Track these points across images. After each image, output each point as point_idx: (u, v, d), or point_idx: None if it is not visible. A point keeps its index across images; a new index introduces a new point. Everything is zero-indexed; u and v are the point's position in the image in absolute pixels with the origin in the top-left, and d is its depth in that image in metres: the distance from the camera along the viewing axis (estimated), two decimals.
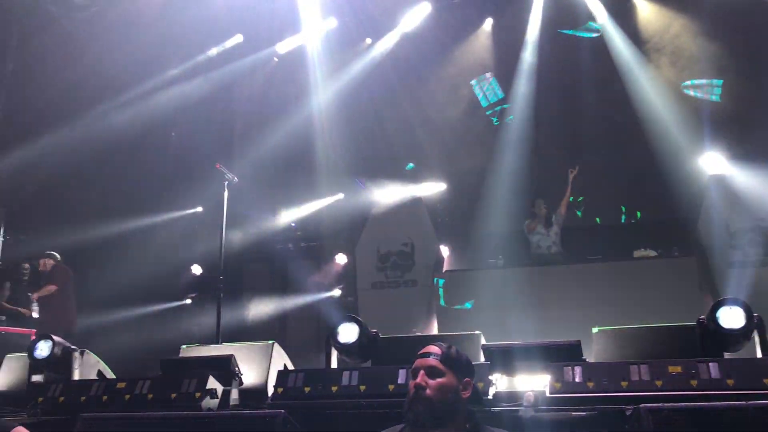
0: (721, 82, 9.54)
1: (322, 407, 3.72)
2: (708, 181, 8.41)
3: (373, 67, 10.26)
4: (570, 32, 10.31)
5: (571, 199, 8.47)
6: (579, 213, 9.82)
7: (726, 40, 9.45)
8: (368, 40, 10.51)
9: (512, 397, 3.76)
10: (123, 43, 8.66)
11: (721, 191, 7.76)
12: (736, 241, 7.49)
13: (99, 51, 8.45)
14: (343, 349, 4.26)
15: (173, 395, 3.84)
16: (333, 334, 4.23)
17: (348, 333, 4.20)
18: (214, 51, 9.92)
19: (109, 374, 4.61)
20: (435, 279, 8.01)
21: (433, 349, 2.59)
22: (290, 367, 4.44)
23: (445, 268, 8.82)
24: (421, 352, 2.61)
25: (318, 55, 10.28)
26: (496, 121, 10.35)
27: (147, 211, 9.32)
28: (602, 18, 9.91)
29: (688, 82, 9.75)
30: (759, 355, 3.96)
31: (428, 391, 2.49)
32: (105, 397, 3.92)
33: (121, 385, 3.98)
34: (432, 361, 2.54)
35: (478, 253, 8.85)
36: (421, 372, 2.53)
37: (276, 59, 10.44)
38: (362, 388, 3.77)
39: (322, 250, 9.85)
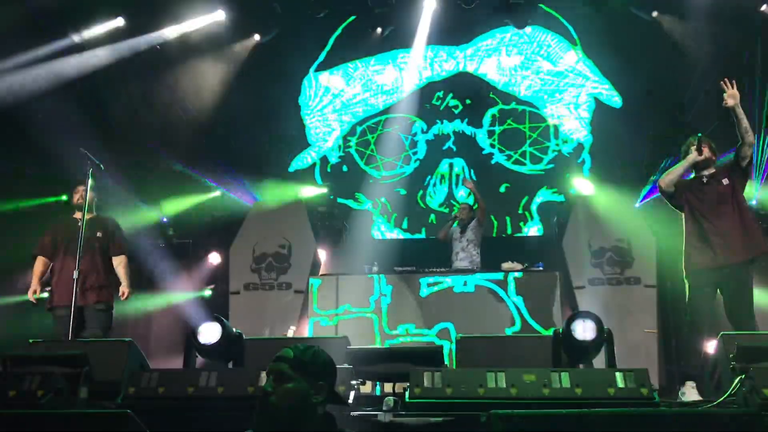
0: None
1: (176, 409, 3.57)
2: (573, 201, 8.92)
3: (264, 62, 10.08)
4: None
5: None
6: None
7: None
8: (257, 36, 10.34)
9: (373, 401, 3.78)
10: None
11: (585, 212, 8.21)
12: (596, 260, 7.95)
13: None
14: (204, 349, 4.14)
15: (12, 393, 3.57)
16: (194, 333, 4.10)
17: (210, 333, 4.08)
18: (91, 31, 9.38)
19: None
20: (309, 282, 7.94)
21: (286, 352, 2.49)
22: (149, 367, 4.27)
23: (321, 272, 8.78)
24: (276, 356, 2.51)
25: (208, 45, 9.96)
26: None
27: (5, 196, 8.62)
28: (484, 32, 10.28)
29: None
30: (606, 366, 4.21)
31: (274, 398, 2.39)
32: None
33: None
34: (281, 365, 2.44)
35: (356, 258, 8.87)
36: (270, 377, 2.44)
37: (158, 47, 10.02)
38: (220, 390, 3.66)
39: (195, 249, 9.52)
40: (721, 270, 4.91)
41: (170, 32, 9.78)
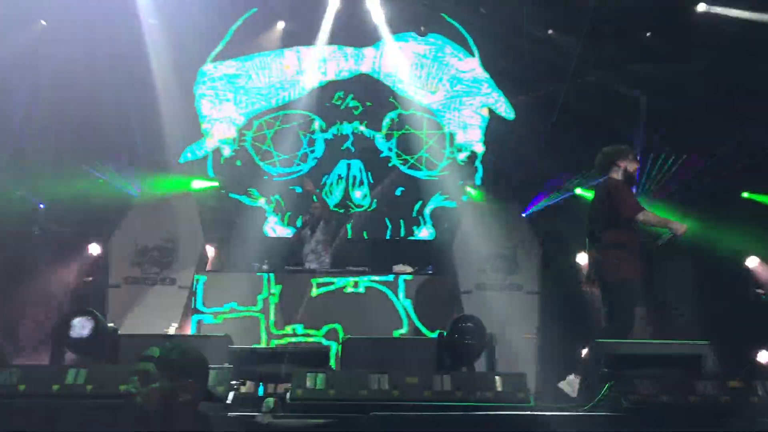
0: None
1: (38, 407, 3.33)
2: (465, 208, 9.14)
3: (158, 48, 9.60)
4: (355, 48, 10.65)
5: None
6: (348, 226, 10.08)
7: None
8: (151, 21, 9.84)
9: (253, 402, 3.69)
10: None
11: (475, 218, 8.40)
12: (484, 265, 8.15)
13: None
14: (74, 344, 3.90)
15: None
16: (63, 327, 3.85)
17: (81, 327, 3.84)
18: None
19: None
20: (195, 278, 7.68)
21: (151, 351, 2.42)
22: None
23: (208, 268, 8.51)
24: (141, 355, 2.44)
25: (99, 26, 9.37)
26: None
27: None
28: (386, 37, 10.30)
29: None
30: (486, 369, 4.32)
31: (139, 398, 2.34)
32: None
33: None
34: (146, 365, 2.38)
35: (245, 255, 8.68)
36: (135, 378, 2.38)
37: (44, 22, 9.38)
38: (89, 388, 3.45)
39: (74, 238, 8.98)
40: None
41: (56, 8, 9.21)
